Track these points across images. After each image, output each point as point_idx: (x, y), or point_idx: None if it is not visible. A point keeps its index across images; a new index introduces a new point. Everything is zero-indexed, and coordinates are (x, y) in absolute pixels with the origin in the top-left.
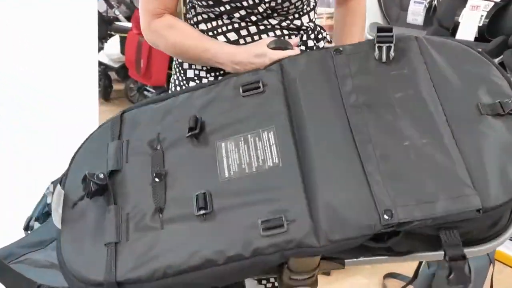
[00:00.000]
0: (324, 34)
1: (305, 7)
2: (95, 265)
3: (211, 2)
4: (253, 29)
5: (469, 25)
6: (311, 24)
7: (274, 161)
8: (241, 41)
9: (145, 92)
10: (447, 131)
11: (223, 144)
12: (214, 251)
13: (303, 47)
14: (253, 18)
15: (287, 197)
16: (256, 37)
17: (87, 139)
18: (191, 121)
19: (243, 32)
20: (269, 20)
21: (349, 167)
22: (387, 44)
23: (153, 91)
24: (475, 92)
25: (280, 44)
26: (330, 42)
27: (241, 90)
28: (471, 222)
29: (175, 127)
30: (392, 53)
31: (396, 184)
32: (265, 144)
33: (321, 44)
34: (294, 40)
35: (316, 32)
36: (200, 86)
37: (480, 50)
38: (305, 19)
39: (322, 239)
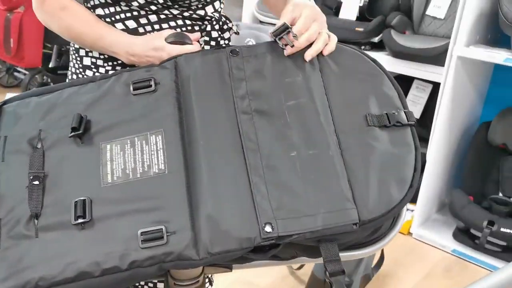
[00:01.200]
0: (230, 25)
1: None
2: None
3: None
4: (153, 17)
5: (350, 5)
6: (216, 14)
7: (160, 168)
8: (141, 29)
9: (16, 73)
10: (334, 142)
11: (108, 146)
12: (90, 263)
13: (207, 38)
14: (153, 7)
15: (170, 207)
16: (156, 26)
17: None
18: (75, 120)
19: (143, 21)
20: (170, 10)
21: (235, 177)
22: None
23: (26, 72)
24: (366, 102)
25: (178, 38)
26: (237, 33)
27: (131, 88)
28: (349, 234)
29: (59, 125)
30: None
31: (279, 195)
32: (152, 149)
33: (227, 35)
34: (195, 35)
35: (221, 23)
36: (90, 80)
37: (374, 59)
38: (209, 9)
39: (202, 252)
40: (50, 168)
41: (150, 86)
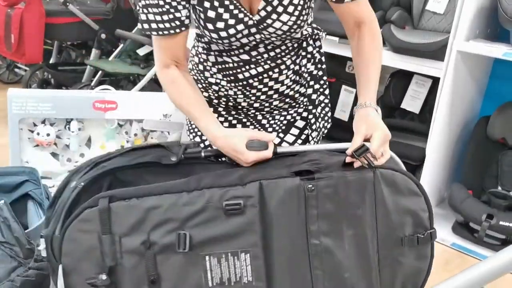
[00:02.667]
0: (320, 35)
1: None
2: None
3: (206, 46)
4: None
5: None
6: (309, 30)
7: (249, 279)
8: (248, 56)
9: (16, 70)
10: (375, 263)
11: (207, 257)
12: None
13: (303, 53)
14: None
15: None
16: (256, 53)
17: (72, 220)
18: (181, 240)
19: (243, 57)
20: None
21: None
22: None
23: (26, 68)
24: (403, 226)
25: (258, 148)
26: (323, 37)
27: (224, 207)
28: None
29: (164, 231)
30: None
31: None
32: (242, 264)
33: (318, 43)
34: (271, 136)
35: (314, 36)
36: (183, 189)
37: (417, 181)
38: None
39: None
40: (162, 271)
41: (240, 208)
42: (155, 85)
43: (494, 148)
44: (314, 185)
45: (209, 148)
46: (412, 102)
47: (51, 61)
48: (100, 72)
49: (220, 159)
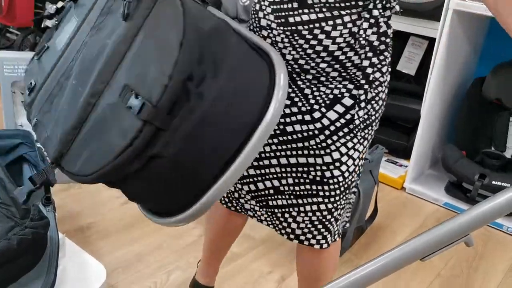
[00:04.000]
0: (393, 4)
1: None
2: None
3: None
4: None
5: None
6: None
7: (61, 48)
8: None
9: (8, 35)
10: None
11: (72, 18)
12: None
13: (367, 15)
14: None
15: (43, 71)
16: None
17: None
18: None
19: None
20: None
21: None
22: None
23: (18, 32)
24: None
25: None
26: (397, 13)
27: None
28: None
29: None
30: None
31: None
32: (69, 33)
33: (387, 13)
34: None
35: (384, 1)
36: None
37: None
38: None
39: None
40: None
41: None
42: None
43: (489, 109)
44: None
45: None
46: (408, 64)
47: (43, 25)
48: None
49: None
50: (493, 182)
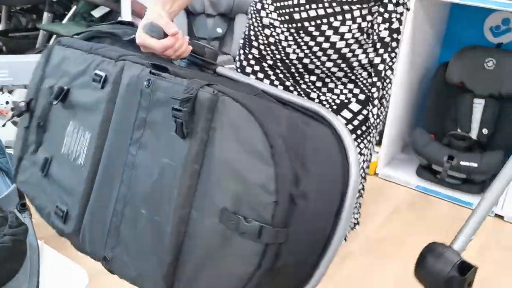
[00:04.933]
0: (406, 0)
1: None
2: None
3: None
4: None
5: None
6: None
7: (81, 162)
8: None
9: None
10: (178, 218)
11: (70, 122)
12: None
13: (381, 9)
14: None
15: (73, 195)
16: None
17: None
18: (62, 94)
19: None
20: None
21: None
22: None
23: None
24: (226, 191)
25: (148, 29)
26: (408, 9)
27: (93, 74)
28: None
29: (61, 81)
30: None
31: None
32: (84, 143)
33: (400, 9)
34: (172, 29)
35: None
36: (87, 50)
37: (276, 144)
38: None
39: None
40: (50, 117)
41: (99, 81)
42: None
43: (453, 93)
44: (151, 81)
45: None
46: None
47: (0, 28)
48: (54, 36)
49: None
50: (461, 163)
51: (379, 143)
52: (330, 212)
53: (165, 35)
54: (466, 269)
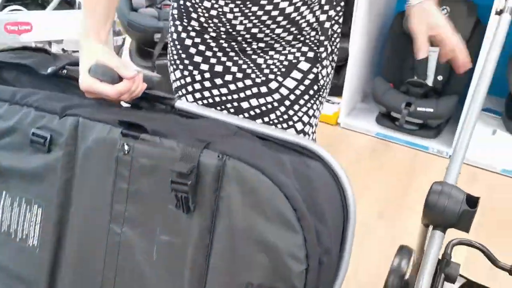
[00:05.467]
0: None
1: None
2: None
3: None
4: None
5: None
6: None
7: (34, 243)
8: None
9: None
10: None
11: (3, 193)
12: None
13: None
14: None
15: (31, 284)
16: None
17: None
18: None
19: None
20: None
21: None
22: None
23: None
24: (252, 266)
25: (98, 73)
26: (342, 7)
27: (31, 133)
28: None
29: None
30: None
31: None
32: (33, 219)
33: (333, 13)
34: (129, 73)
35: None
36: (8, 99)
37: (301, 208)
38: None
39: None
40: None
41: (44, 143)
42: (67, 6)
43: (410, 41)
44: (131, 147)
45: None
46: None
47: None
48: None
49: None
50: (418, 109)
51: (339, 94)
52: (338, 251)
53: (120, 79)
54: (471, 201)
